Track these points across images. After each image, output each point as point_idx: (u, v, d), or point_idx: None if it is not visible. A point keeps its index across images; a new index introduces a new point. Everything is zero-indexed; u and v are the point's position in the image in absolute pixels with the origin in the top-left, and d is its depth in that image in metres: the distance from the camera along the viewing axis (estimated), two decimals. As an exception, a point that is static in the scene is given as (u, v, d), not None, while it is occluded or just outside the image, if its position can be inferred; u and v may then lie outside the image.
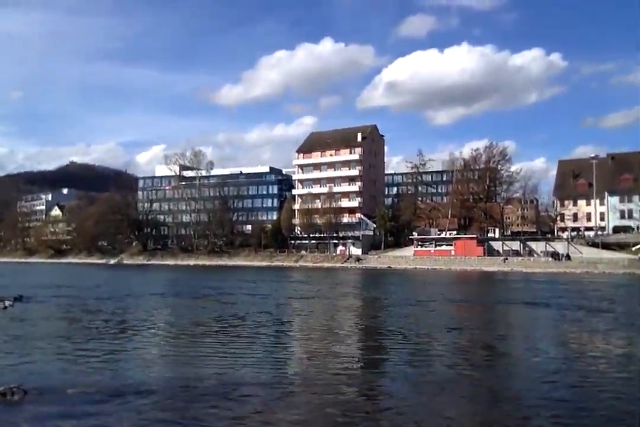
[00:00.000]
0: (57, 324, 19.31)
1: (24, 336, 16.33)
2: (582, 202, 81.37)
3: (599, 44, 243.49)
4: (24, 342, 15.43)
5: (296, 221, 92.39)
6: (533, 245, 73.41)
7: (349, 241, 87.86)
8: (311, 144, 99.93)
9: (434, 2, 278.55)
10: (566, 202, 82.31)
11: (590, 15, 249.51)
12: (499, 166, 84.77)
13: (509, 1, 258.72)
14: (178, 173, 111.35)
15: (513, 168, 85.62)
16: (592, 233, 75.94)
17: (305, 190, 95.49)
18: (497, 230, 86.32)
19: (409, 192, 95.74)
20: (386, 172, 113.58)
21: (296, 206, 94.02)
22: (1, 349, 14.16)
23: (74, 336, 16.52)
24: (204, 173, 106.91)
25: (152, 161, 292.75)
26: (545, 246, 71.43)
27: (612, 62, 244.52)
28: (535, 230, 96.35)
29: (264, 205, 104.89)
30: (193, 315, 21.94)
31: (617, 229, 76.89)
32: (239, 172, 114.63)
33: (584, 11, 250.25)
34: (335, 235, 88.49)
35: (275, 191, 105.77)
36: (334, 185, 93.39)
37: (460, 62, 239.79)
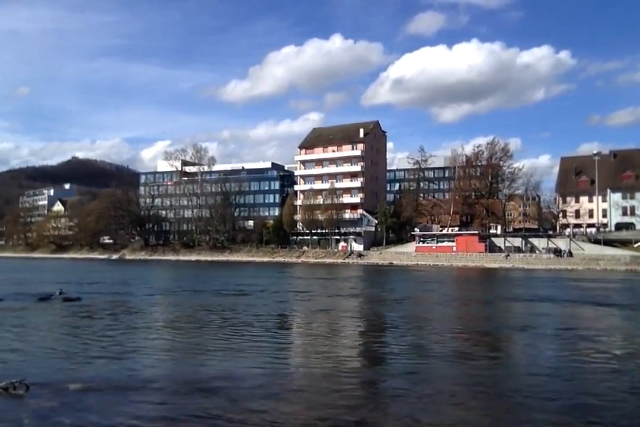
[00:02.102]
0: (84, 321, 19.39)
1: (37, 332, 16.39)
2: (584, 199, 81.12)
3: (607, 42, 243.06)
4: (34, 337, 15.49)
5: (298, 216, 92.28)
6: (535, 242, 73.24)
7: (351, 237, 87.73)
8: (313, 140, 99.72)
9: (444, 0, 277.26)
10: (568, 198, 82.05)
11: (599, 13, 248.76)
12: (501, 163, 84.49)
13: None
14: (180, 169, 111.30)
15: (515, 165, 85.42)
16: (594, 230, 75.77)
17: (307, 186, 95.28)
18: (499, 226, 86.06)
19: (411, 188, 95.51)
20: (392, 168, 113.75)
21: (298, 202, 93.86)
22: (9, 344, 14.23)
23: (87, 332, 16.58)
24: (205, 169, 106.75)
25: (156, 157, 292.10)
26: (547, 243, 71.24)
27: (619, 61, 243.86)
28: (537, 227, 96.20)
29: (266, 201, 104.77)
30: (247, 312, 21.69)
31: (619, 226, 76.69)
32: (240, 168, 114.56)
33: (592, 9, 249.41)
34: (337, 231, 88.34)
35: (277, 187, 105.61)
36: (336, 181, 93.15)
37: (469, 58, 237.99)
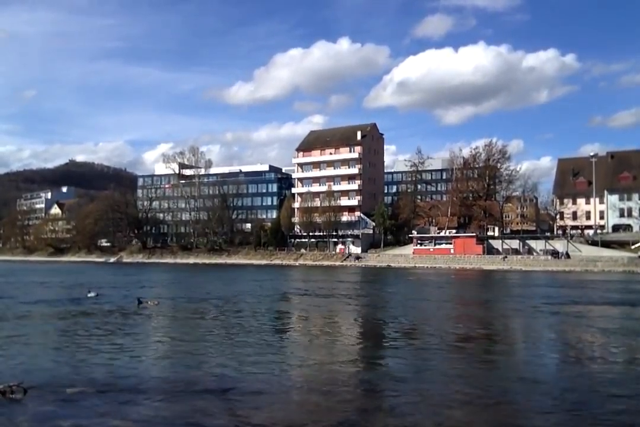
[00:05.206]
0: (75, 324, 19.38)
1: (31, 336, 16.36)
2: (581, 201, 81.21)
3: (611, 44, 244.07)
4: (31, 341, 15.46)
5: (296, 219, 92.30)
6: (532, 243, 73.35)
7: (349, 239, 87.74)
8: (311, 143, 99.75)
9: (450, 3, 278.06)
10: (565, 200, 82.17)
11: (604, 14, 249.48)
12: (499, 164, 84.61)
13: (524, 2, 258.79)
14: (177, 171, 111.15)
15: (513, 166, 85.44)
16: (591, 231, 75.89)
17: (304, 189, 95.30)
18: (496, 228, 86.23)
19: (409, 190, 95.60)
20: (392, 170, 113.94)
21: (296, 205, 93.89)
22: (4, 348, 14.20)
23: (81, 335, 16.56)
24: (202, 171, 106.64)
25: (159, 159, 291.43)
26: (545, 245, 71.35)
27: (624, 62, 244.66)
28: (534, 228, 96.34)
29: (264, 204, 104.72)
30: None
31: (616, 227, 76.84)
32: (238, 170, 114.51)
33: (597, 10, 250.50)
34: (334, 233, 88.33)
35: (275, 189, 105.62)
36: (334, 184, 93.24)
37: (474, 61, 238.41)
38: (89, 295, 27.39)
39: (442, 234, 79.42)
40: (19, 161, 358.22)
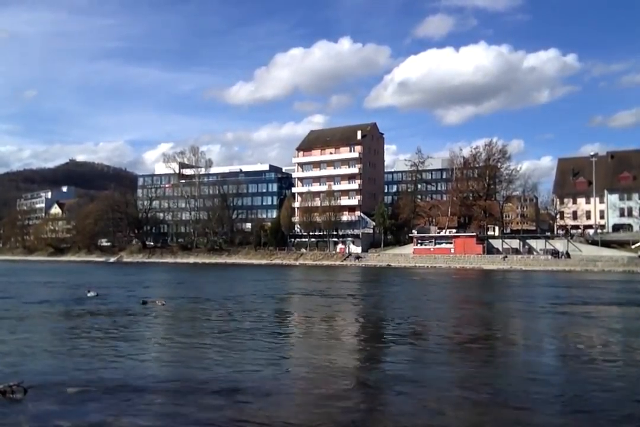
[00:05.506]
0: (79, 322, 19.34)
1: (33, 335, 16.30)
2: (581, 200, 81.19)
3: (612, 44, 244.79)
4: (32, 341, 15.41)
5: (296, 219, 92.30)
6: (532, 243, 73.36)
7: (349, 239, 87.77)
8: (311, 142, 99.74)
9: (451, 3, 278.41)
10: (566, 200, 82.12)
11: (604, 14, 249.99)
12: (499, 164, 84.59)
13: (525, 2, 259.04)
14: (178, 171, 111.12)
15: (514, 166, 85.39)
16: (591, 231, 75.89)
17: (305, 189, 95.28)
18: (496, 228, 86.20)
19: (409, 190, 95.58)
20: (392, 170, 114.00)
21: (296, 204, 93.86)
22: (5, 348, 14.15)
23: (83, 335, 16.51)
24: (203, 171, 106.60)
25: (159, 159, 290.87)
26: (545, 244, 71.35)
27: (624, 62, 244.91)
28: (534, 228, 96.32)
29: (264, 204, 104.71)
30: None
31: (616, 227, 76.85)
32: (238, 170, 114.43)
33: (597, 10, 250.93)
34: (334, 233, 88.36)
35: (275, 189, 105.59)
36: (334, 183, 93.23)
37: (475, 61, 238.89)
38: (89, 295, 27.46)
39: (442, 233, 79.42)
40: (19, 161, 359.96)
